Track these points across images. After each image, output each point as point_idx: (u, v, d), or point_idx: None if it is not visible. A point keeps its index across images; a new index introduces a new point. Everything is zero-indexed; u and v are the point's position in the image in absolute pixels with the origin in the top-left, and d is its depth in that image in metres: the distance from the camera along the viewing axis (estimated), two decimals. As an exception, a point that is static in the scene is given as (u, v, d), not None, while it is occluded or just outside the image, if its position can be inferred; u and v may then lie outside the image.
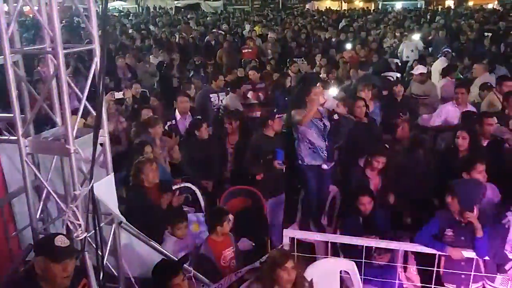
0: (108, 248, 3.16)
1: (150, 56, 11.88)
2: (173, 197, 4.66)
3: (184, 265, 3.60)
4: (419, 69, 7.94)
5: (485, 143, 5.28)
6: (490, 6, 29.29)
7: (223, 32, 16.74)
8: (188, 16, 25.75)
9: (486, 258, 3.79)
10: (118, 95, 7.26)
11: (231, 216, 4.24)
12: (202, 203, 5.09)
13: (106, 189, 2.99)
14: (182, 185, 5.17)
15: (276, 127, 5.59)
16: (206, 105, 7.38)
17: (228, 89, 7.73)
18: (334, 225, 5.37)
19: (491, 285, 3.93)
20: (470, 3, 31.49)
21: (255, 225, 4.99)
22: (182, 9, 31.72)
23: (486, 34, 13.90)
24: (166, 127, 6.05)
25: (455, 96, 6.45)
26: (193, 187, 5.16)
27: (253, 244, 4.74)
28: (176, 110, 6.45)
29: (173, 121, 6.36)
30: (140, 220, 3.81)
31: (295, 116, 5.29)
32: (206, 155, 5.73)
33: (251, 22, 21.86)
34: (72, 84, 2.94)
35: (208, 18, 25.29)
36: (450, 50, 11.18)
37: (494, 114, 5.80)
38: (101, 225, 3.01)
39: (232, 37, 15.18)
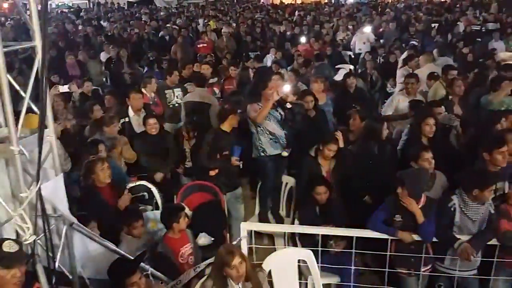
0: (60, 250, 3.08)
1: (102, 53, 11.58)
2: (127, 197, 4.58)
3: (142, 263, 3.57)
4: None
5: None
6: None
7: (177, 27, 16.53)
8: (142, 11, 25.21)
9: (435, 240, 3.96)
10: (63, 88, 7.03)
11: (188, 212, 4.22)
12: (159, 201, 5.04)
13: (55, 190, 2.91)
14: (138, 183, 5.09)
15: (233, 122, 5.57)
16: (164, 101, 7.29)
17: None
18: (292, 215, 5.47)
19: (441, 266, 4.09)
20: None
21: (214, 219, 4.98)
22: (135, 4, 31.02)
23: (433, 25, 14.39)
24: (120, 125, 5.92)
25: (405, 86, 6.68)
26: (149, 185, 5.09)
27: (212, 239, 4.74)
28: (129, 108, 6.33)
29: (127, 119, 6.23)
30: (94, 220, 3.74)
31: (251, 112, 5.35)
32: (157, 151, 5.66)
33: (206, 16, 21.69)
34: (14, 83, 2.83)
35: (161, 13, 24.89)
36: (416, 43, 11.53)
37: (441, 101, 6.06)
38: (51, 227, 2.93)
39: (187, 32, 15.00)
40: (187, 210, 4.59)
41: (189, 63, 9.69)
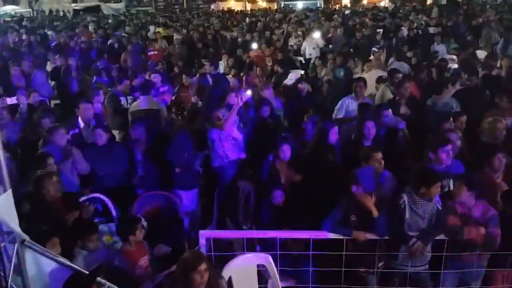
0: (12, 268, 2.95)
1: (48, 62, 11.19)
2: (81, 210, 4.46)
3: (98, 277, 3.47)
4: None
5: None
6: (382, 4, 31.56)
7: (126, 35, 16.25)
8: (88, 19, 24.60)
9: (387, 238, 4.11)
10: (11, 100, 6.78)
11: (144, 223, 4.16)
12: (114, 213, 4.93)
13: (4, 206, 2.79)
14: (91, 195, 4.96)
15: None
16: (117, 108, 7.15)
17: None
18: (250, 221, 5.49)
19: (394, 262, 4.23)
20: (365, 1, 33.64)
21: (171, 229, 4.93)
22: (81, 12, 30.25)
23: (378, 30, 14.92)
24: (70, 136, 5.75)
25: (354, 90, 6.88)
26: (103, 197, 4.98)
27: (170, 249, 4.69)
28: (79, 118, 6.16)
29: (77, 130, 6.06)
30: (46, 236, 3.61)
31: (215, 120, 5.39)
32: (107, 162, 5.56)
33: (156, 23, 21.45)
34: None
35: (109, 21, 24.38)
36: (376, 50, 11.87)
37: (388, 103, 6.31)
38: (1, 245, 2.81)
39: (137, 40, 14.77)
40: (143, 221, 4.52)
41: (138, 71, 9.56)
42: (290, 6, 31.98)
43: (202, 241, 4.11)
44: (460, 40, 13.77)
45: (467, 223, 4.01)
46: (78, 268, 3.50)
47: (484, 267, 4.18)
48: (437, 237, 4.07)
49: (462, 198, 4.07)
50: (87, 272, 3.47)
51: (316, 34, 13.88)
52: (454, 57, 10.46)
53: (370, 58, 10.13)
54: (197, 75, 9.09)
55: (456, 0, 28.86)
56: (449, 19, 18.51)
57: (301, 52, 13.27)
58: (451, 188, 4.43)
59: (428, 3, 30.45)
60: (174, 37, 14.85)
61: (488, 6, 25.34)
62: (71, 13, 29.80)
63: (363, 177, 4.12)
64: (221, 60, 11.58)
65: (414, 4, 28.43)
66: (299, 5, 32.35)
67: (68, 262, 3.44)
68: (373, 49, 11.84)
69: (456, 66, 8.94)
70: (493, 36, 13.79)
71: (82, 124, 6.13)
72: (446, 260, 4.11)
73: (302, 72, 10.86)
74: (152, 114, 6.82)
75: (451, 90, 6.30)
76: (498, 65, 8.97)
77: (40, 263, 3.30)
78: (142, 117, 6.59)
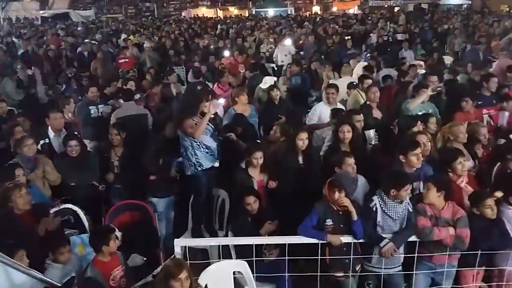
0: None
1: (15, 71, 10.90)
2: (51, 221, 4.36)
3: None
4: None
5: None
6: (351, 11, 32.19)
7: (96, 42, 16.02)
8: (57, 26, 24.14)
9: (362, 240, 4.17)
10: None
11: (118, 233, 4.09)
12: (86, 224, 4.83)
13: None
14: (62, 206, 4.86)
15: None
16: (87, 118, 7.05)
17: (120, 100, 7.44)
18: (225, 228, 5.49)
19: (368, 265, 4.32)
20: (334, 9, 34.23)
21: (145, 239, 4.87)
22: (50, 19, 29.67)
23: (348, 37, 15.20)
24: (39, 146, 5.63)
25: (326, 96, 6.98)
26: (75, 208, 4.88)
27: (145, 259, 4.63)
28: (49, 128, 6.03)
29: (47, 140, 5.93)
30: (12, 250, 3.52)
31: (187, 128, 5.34)
32: (79, 172, 5.48)
33: (126, 31, 21.24)
34: None
35: (79, 28, 24.00)
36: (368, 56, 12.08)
37: (359, 109, 6.43)
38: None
39: (107, 47, 14.59)
40: (116, 231, 4.45)
41: (111, 79, 9.44)
42: (261, 13, 32.20)
43: (177, 249, 4.08)
44: (427, 46, 14.18)
45: (437, 224, 4.12)
46: (50, 280, 3.43)
47: (454, 267, 4.29)
48: (409, 239, 4.16)
49: (432, 200, 4.18)
50: (59, 285, 3.41)
51: (288, 41, 14.02)
52: (422, 63, 10.74)
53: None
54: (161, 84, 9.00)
55: (422, 8, 29.75)
56: (415, 26, 19.03)
57: (273, 59, 13.38)
58: (421, 190, 4.53)
59: (395, 10, 31.25)
60: (145, 45, 14.73)
61: (453, 13, 26.17)
62: (39, 20, 29.20)
63: (345, 182, 4.20)
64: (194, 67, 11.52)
65: (382, 11, 29.14)
66: (271, 12, 32.63)
67: (39, 275, 3.37)
68: (368, 55, 12.06)
69: (423, 71, 9.17)
70: (458, 43, 14.25)
71: (52, 134, 6.00)
72: (418, 261, 4.20)
73: (275, 78, 10.95)
74: (141, 118, 6.78)
75: (424, 94, 6.45)
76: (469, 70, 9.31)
77: (10, 276, 3.23)
78: (130, 123, 6.51)
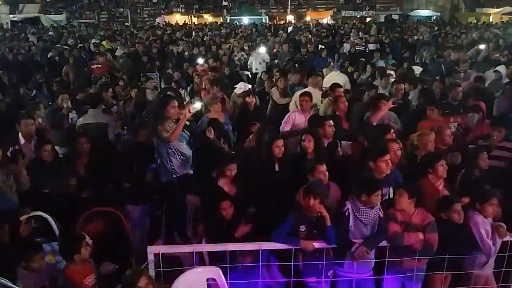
0: None
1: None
2: (20, 227, 4.27)
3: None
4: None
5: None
6: (325, 21, 32.70)
7: (68, 47, 15.78)
8: (27, 31, 23.66)
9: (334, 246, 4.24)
10: None
11: (89, 241, 4.04)
12: (57, 231, 4.74)
13: None
14: (32, 214, 4.75)
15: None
16: (57, 124, 6.94)
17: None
18: (199, 235, 5.47)
19: (340, 270, 4.39)
20: (308, 18, 34.69)
21: (118, 246, 4.81)
22: (19, 24, 29.02)
23: (320, 46, 15.45)
24: (9, 153, 5.49)
25: (300, 104, 7.05)
26: (45, 215, 4.77)
27: (117, 267, 4.58)
28: (20, 134, 5.90)
29: (17, 146, 5.79)
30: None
31: (162, 133, 5.31)
32: (50, 179, 5.36)
33: (99, 36, 20.98)
34: None
35: (50, 33, 23.58)
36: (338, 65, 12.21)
37: (330, 117, 6.52)
38: None
39: (79, 52, 14.38)
40: (88, 239, 4.39)
41: (83, 84, 9.31)
42: (236, 21, 32.34)
43: (151, 257, 4.05)
44: (397, 56, 14.54)
45: (407, 229, 4.23)
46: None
47: (423, 271, 4.39)
48: (380, 244, 4.25)
49: (403, 206, 4.29)
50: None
51: (262, 49, 14.14)
52: (393, 72, 11.01)
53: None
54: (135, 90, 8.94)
55: (393, 19, 30.49)
56: (386, 37, 19.49)
57: (248, 67, 13.46)
58: (391, 196, 4.65)
59: (367, 20, 31.93)
60: (118, 50, 14.60)
61: (422, 25, 26.92)
62: (8, 24, 28.54)
63: (319, 189, 4.29)
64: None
65: (354, 21, 29.71)
66: (245, 20, 32.80)
67: (10, 284, 3.29)
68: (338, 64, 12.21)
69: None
70: (427, 54, 14.66)
71: (23, 141, 5.87)
72: (388, 265, 4.30)
73: (249, 86, 11.02)
74: (101, 127, 6.68)
75: (384, 107, 6.56)
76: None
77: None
78: (90, 130, 6.43)
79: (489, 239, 4.28)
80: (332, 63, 12.40)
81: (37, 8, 33.41)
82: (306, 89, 8.29)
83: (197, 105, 5.70)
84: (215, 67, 10.91)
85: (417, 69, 11.98)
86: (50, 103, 8.45)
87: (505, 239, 4.33)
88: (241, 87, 8.49)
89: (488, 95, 8.39)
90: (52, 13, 32.88)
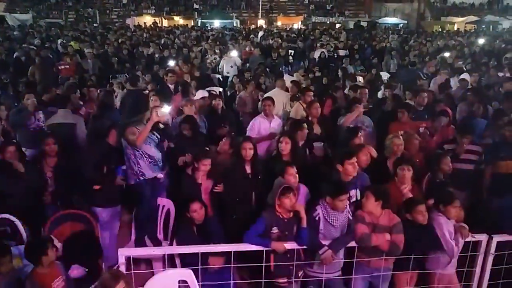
0: None
1: None
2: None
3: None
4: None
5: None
6: (295, 26, 33.04)
7: (35, 47, 15.38)
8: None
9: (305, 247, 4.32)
10: None
11: (57, 243, 3.98)
12: (24, 235, 4.64)
13: None
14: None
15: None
16: (23, 125, 6.76)
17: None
18: (170, 237, 5.45)
19: (310, 271, 4.47)
20: (279, 23, 34.96)
21: (87, 249, 4.75)
22: (-17, 23, 28.11)
23: (290, 51, 15.63)
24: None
25: (263, 109, 7.08)
26: (12, 218, 4.67)
27: (86, 270, 4.51)
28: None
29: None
30: None
31: (129, 135, 5.28)
32: (17, 181, 5.24)
33: (66, 36, 20.55)
34: None
35: (15, 32, 22.93)
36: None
37: (302, 121, 6.62)
38: None
39: (46, 53, 14.04)
40: (56, 241, 4.32)
41: (50, 85, 9.10)
42: (207, 25, 32.27)
43: (121, 259, 4.02)
44: (366, 62, 14.87)
45: (374, 230, 4.35)
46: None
47: (390, 271, 4.52)
48: (348, 245, 4.36)
49: (370, 208, 4.41)
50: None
51: (234, 53, 14.18)
52: (361, 78, 11.25)
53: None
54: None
55: (361, 25, 31.13)
56: (355, 43, 19.88)
57: (219, 70, 13.47)
58: (359, 198, 4.76)
59: (337, 27, 32.46)
60: (87, 51, 14.34)
61: (390, 32, 27.59)
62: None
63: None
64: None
65: (324, 27, 30.15)
66: (216, 24, 32.78)
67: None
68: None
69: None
70: (393, 63, 15.05)
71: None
72: (356, 265, 4.41)
73: (220, 89, 11.05)
74: (69, 128, 6.58)
75: (357, 110, 6.73)
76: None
77: None
78: (59, 131, 6.31)
79: (452, 240, 4.43)
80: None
81: (2, 7, 32.39)
82: (272, 92, 8.42)
83: (165, 109, 5.67)
84: (172, 70, 10.77)
85: (384, 75, 12.28)
86: (16, 103, 8.23)
87: (467, 239, 4.51)
88: (198, 95, 8.53)
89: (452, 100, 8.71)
90: (18, 12, 31.94)
